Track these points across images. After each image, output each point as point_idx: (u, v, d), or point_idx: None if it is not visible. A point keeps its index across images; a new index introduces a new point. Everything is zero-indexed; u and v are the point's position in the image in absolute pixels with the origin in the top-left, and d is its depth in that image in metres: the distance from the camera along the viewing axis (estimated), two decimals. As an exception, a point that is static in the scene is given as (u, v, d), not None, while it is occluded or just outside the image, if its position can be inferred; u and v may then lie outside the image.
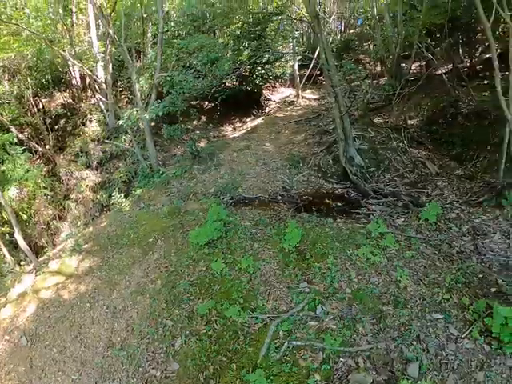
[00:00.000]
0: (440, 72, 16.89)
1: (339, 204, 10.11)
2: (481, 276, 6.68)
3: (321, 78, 22.08)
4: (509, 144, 8.74)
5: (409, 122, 14.50)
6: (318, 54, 19.86)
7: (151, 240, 8.34)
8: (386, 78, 20.48)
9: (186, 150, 15.11)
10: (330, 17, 21.48)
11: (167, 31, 15.48)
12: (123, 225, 9.19)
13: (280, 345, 5.51)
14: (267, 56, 16.61)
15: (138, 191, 12.28)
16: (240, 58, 14.72)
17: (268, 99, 19.79)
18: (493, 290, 6.28)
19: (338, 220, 8.87)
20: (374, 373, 5.09)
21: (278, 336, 5.65)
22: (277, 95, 20.19)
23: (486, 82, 14.03)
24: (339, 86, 11.04)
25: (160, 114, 10.65)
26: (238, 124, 19.15)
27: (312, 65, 19.45)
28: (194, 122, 19.14)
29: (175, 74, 10.56)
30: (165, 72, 13.41)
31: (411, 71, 17.23)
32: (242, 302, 6.31)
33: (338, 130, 11.09)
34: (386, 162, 12.26)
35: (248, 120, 19.33)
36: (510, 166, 8.94)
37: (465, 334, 5.50)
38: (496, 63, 8.61)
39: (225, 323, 6.00)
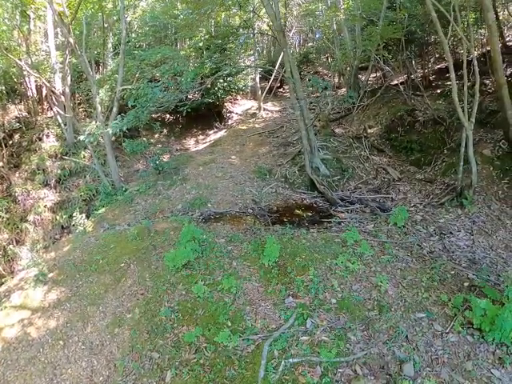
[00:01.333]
0: (396, 82, 17.67)
1: (309, 214, 10.04)
2: (453, 273, 6.88)
3: (280, 90, 22.35)
4: (466, 148, 9.12)
5: (369, 130, 14.87)
6: (279, 66, 20.42)
7: (123, 265, 7.61)
8: (344, 89, 21.22)
9: (148, 164, 14.56)
10: (290, 31, 21.79)
11: (129, 42, 14.93)
12: (89, 249, 8.49)
13: (277, 364, 5.19)
14: (229, 69, 16.50)
15: (101, 210, 11.55)
16: (202, 70, 14.46)
17: (230, 111, 19.62)
18: (466, 284, 6.53)
19: (312, 230, 8.75)
20: (373, 378, 4.96)
21: (273, 356, 5.32)
22: (239, 107, 20.06)
23: (438, 91, 14.68)
24: (304, 99, 11.10)
25: (124, 128, 10.16)
26: (201, 137, 18.83)
27: (272, 77, 19.59)
28: (156, 136, 18.58)
29: (141, 86, 10.08)
30: (127, 84, 12.89)
31: (369, 82, 17.76)
32: (229, 324, 5.82)
33: (304, 141, 11.09)
34: (350, 170, 12.44)
35: (211, 132, 19.05)
36: (467, 168, 9.32)
37: (448, 329, 5.64)
38: (452, 75, 8.97)
39: (215, 349, 5.49)
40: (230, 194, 10.75)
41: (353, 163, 12.88)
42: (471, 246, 7.97)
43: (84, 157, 14.94)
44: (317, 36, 23.70)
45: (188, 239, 7.62)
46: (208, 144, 16.81)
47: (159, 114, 18.66)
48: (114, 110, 12.40)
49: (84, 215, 11.40)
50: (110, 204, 11.83)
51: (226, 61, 14.96)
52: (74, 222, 11.16)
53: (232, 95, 19.20)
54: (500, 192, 9.37)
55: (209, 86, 17.66)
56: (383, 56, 15.66)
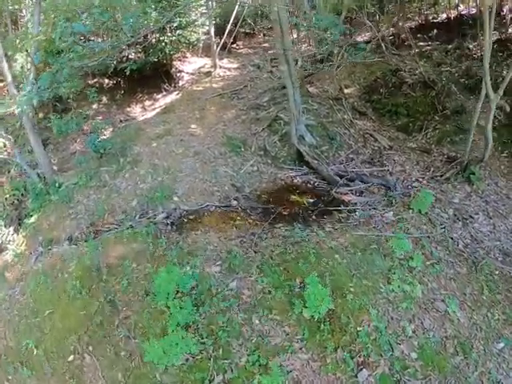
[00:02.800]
0: (361, 40, 15.22)
1: (310, 200, 7.56)
2: (497, 273, 5.90)
3: (234, 46, 18.89)
4: (486, 121, 7.74)
5: (345, 91, 12.38)
6: (234, 18, 16.93)
7: (72, 358, 4.56)
8: (306, 45, 18.33)
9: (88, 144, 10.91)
10: None
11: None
12: (13, 320, 5.30)
13: None
14: (179, 19, 12.82)
15: (33, 218, 8.19)
16: (147, 21, 10.75)
17: (180, 71, 15.91)
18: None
19: (328, 228, 6.48)
20: None
21: None
22: (189, 66, 16.39)
23: (413, 51, 12.38)
24: (291, 50, 8.18)
25: (35, 101, 6.69)
26: (148, 102, 15.11)
27: (227, 32, 16.07)
28: (95, 106, 14.45)
29: (56, 34, 6.52)
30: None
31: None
32: None
33: (291, 104, 8.38)
34: (338, 138, 10.01)
35: (159, 97, 15.37)
36: (464, 138, 8.54)
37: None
38: (487, 37, 6.93)
39: None
40: (201, 179, 7.87)
41: (338, 129, 10.42)
42: (493, 231, 6.98)
43: (5, 146, 10.81)
44: None
45: (170, 294, 4.69)
46: (158, 111, 13.30)
47: (96, 80, 14.60)
48: (31, 76, 8.64)
49: (12, 228, 8.24)
50: (43, 207, 8.42)
51: (174, 9, 11.28)
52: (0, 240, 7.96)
53: (182, 52, 15.52)
54: (502, 167, 8.57)
55: (154, 41, 13.95)
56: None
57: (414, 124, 10.56)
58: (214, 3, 15.89)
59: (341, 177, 8.40)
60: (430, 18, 15.87)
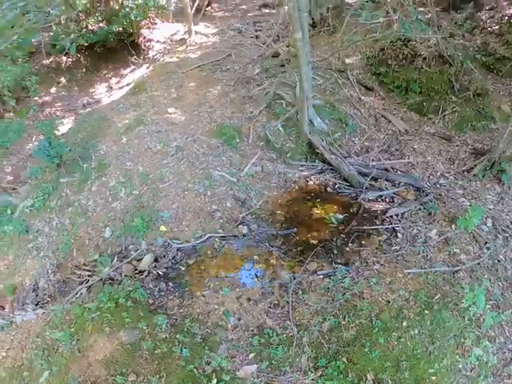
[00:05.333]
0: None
1: (337, 214, 5.33)
2: None
3: (209, 9, 15.46)
4: None
5: (347, 61, 9.84)
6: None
7: None
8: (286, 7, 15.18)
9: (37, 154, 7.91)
10: None
11: None
12: None
13: None
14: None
15: None
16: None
17: (149, 40, 12.56)
18: None
19: (374, 265, 4.49)
20: None
21: None
22: (159, 33, 12.97)
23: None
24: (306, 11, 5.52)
25: None
26: (115, 79, 11.95)
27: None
28: (53, 90, 11.24)
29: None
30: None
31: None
32: None
33: (305, 84, 5.77)
34: (349, 121, 7.68)
35: (127, 72, 12.19)
36: (486, 125, 7.45)
37: None
38: None
39: None
40: (192, 191, 5.47)
41: (347, 109, 8.04)
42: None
43: None
44: None
45: None
46: (127, 90, 10.22)
47: (52, 58, 11.28)
48: None
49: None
50: None
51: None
52: None
53: (150, 18, 12.18)
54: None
55: (116, 7, 10.71)
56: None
57: (430, 104, 8.41)
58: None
59: (363, 175, 6.24)
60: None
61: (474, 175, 6.64)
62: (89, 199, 5.87)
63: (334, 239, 4.97)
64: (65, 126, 8.69)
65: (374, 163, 6.75)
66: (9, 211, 6.16)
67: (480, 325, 3.94)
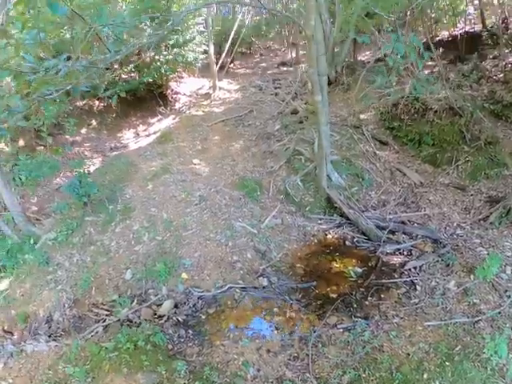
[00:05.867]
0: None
1: (357, 270, 5.32)
2: None
3: (232, 66, 16.61)
4: None
5: (361, 116, 10.30)
6: (233, 38, 14.60)
7: None
8: (302, 64, 16.15)
9: (73, 174, 8.25)
10: None
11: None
12: None
13: None
14: (175, 37, 10.52)
15: (5, 284, 5.81)
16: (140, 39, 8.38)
17: (176, 92, 13.47)
18: None
19: (394, 319, 4.44)
20: None
21: None
22: (186, 87, 13.98)
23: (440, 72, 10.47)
24: (325, 76, 5.94)
25: None
26: (142, 127, 12.63)
27: (226, 51, 13.84)
28: (83, 131, 11.95)
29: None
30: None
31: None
32: None
33: (324, 141, 6.08)
34: (365, 176, 7.86)
35: (154, 121, 12.92)
36: (499, 172, 7.39)
37: None
38: None
39: None
40: (214, 241, 5.56)
41: (363, 164, 8.27)
42: None
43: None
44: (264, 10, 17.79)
45: None
46: (154, 138, 10.86)
47: (86, 101, 12.08)
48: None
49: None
50: (16, 269, 6.00)
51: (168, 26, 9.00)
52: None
53: (178, 72, 13.15)
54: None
55: (148, 60, 11.58)
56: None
57: (443, 155, 8.51)
58: (211, 20, 13.65)
59: (381, 228, 6.30)
60: (431, 36, 14.01)
61: (491, 223, 6.49)
62: (112, 240, 6.02)
63: (354, 293, 4.94)
64: (93, 166, 9.08)
65: (391, 216, 6.81)
66: (32, 241, 6.30)
67: (504, 375, 3.76)
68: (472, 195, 7.46)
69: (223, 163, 7.95)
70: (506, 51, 10.26)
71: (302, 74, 13.28)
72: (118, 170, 8.24)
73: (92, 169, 8.87)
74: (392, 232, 6.29)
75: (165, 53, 11.18)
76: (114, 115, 12.73)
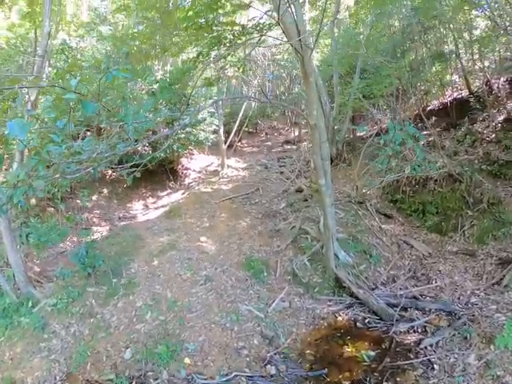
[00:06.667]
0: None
1: (368, 351, 4.96)
2: None
3: (239, 145, 17.59)
4: None
5: (364, 191, 10.53)
6: (240, 119, 15.77)
7: None
8: (305, 143, 17.07)
9: (80, 241, 8.27)
10: (255, 79, 17.50)
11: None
12: None
13: None
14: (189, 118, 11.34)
15: None
16: (158, 118, 9.08)
17: (187, 168, 14.09)
18: None
19: None
20: None
21: None
22: (196, 163, 14.68)
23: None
24: (328, 160, 6.26)
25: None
26: (151, 200, 12.97)
27: (234, 130, 14.83)
28: (94, 197, 12.25)
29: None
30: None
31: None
32: None
33: (329, 221, 6.12)
34: (373, 251, 7.73)
35: (163, 194, 13.32)
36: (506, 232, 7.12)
37: None
38: None
39: None
40: (219, 325, 5.30)
41: (370, 240, 8.18)
42: None
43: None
44: (269, 77, 19.40)
45: None
46: (162, 212, 11.06)
47: (99, 169, 12.54)
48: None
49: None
50: (9, 329, 5.71)
51: (184, 107, 9.87)
52: None
53: (189, 149, 13.93)
54: None
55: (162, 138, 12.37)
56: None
57: (448, 222, 8.49)
58: (221, 102, 14.86)
59: (392, 306, 6.01)
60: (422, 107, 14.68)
61: (505, 286, 6.15)
62: (113, 314, 5.76)
63: (368, 378, 4.48)
64: (100, 234, 9.07)
65: (402, 292, 6.51)
66: (30, 303, 6.03)
67: None
68: (482, 259, 7.20)
69: (230, 241, 7.90)
70: (494, 111, 10.55)
71: (305, 152, 13.97)
72: (124, 242, 8.23)
73: (99, 236, 8.91)
74: (404, 309, 5.98)
75: (178, 131, 11.98)
76: (125, 185, 13.14)
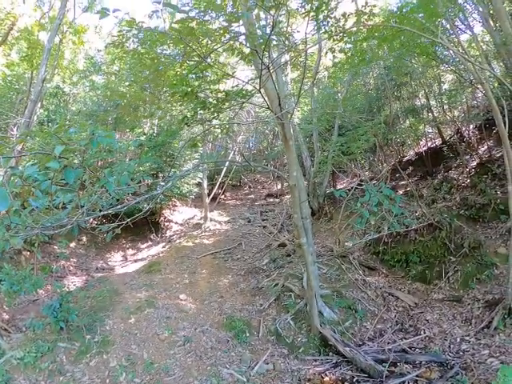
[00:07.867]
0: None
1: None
2: None
3: (222, 197, 17.72)
4: None
5: (346, 244, 10.57)
6: (225, 172, 16.08)
7: None
8: (288, 196, 17.40)
9: (53, 294, 7.69)
10: (238, 136, 18.22)
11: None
12: None
13: None
14: (173, 170, 11.54)
15: None
16: (142, 169, 9.19)
17: (169, 220, 13.91)
18: None
19: None
20: None
21: None
22: (178, 215, 14.52)
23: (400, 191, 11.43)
24: (309, 218, 6.35)
25: None
26: (131, 251, 12.56)
27: (218, 183, 15.04)
28: (72, 245, 11.69)
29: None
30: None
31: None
32: None
33: (313, 281, 6.01)
34: (358, 306, 7.55)
35: (144, 246, 12.95)
36: (490, 274, 7.20)
37: None
38: None
39: None
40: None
41: (354, 294, 8.03)
42: None
43: None
44: (250, 143, 20.28)
45: None
46: (141, 265, 10.65)
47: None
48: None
49: None
50: None
51: (168, 161, 10.07)
52: None
53: (172, 201, 13.88)
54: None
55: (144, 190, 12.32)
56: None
57: (431, 270, 8.44)
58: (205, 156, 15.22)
59: (381, 362, 5.71)
60: (399, 158, 15.24)
61: (495, 328, 6.01)
62: (84, 374, 5.20)
63: None
64: (75, 285, 8.57)
65: (390, 346, 6.18)
66: None
67: None
68: (469, 304, 7.15)
69: (211, 300, 7.57)
70: (467, 157, 11.01)
71: (287, 206, 14.16)
72: (100, 296, 7.74)
73: (74, 287, 8.40)
74: (393, 364, 5.64)
75: (162, 184, 12.01)
76: (105, 235, 12.68)
